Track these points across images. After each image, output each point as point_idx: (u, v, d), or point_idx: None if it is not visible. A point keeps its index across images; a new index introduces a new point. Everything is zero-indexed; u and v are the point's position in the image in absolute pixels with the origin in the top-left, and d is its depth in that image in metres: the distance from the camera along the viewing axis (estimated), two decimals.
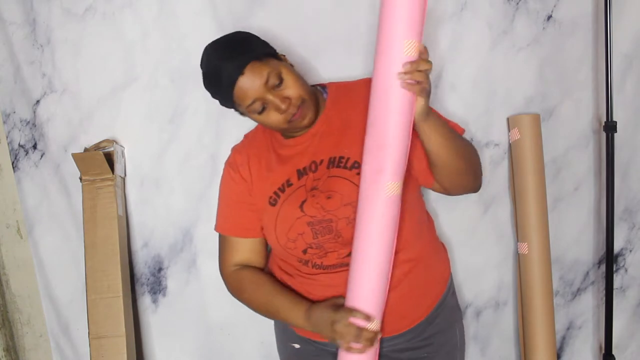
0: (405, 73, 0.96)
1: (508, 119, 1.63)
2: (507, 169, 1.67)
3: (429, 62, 0.98)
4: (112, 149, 1.54)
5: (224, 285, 1.64)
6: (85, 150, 1.57)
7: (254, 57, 1.08)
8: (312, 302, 1.17)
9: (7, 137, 1.62)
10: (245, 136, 1.31)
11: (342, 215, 1.11)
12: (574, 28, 1.61)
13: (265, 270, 1.29)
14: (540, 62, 1.61)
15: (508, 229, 1.71)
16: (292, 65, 1.16)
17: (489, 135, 1.63)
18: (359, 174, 1.08)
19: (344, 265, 1.15)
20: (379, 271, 1.07)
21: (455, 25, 1.55)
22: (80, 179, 1.56)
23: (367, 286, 1.08)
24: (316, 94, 1.20)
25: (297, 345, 1.28)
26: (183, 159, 1.60)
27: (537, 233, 1.59)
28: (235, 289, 1.26)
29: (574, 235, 1.74)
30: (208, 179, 1.60)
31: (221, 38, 1.14)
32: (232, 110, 1.22)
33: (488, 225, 1.68)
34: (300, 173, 1.17)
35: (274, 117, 1.10)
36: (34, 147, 1.61)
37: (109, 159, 1.52)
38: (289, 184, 1.17)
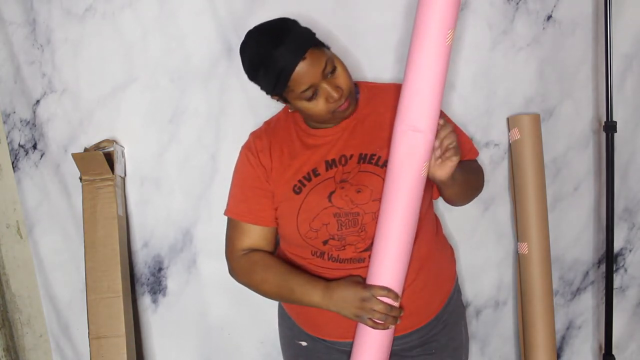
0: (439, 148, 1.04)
1: (508, 119, 1.63)
2: (507, 169, 1.67)
3: (447, 126, 1.05)
4: (112, 149, 1.54)
5: (224, 285, 1.65)
6: (85, 150, 1.57)
7: (313, 44, 1.09)
8: (328, 280, 1.15)
9: (7, 137, 1.62)
10: (266, 122, 1.30)
11: (370, 210, 1.13)
12: (574, 28, 1.61)
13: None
14: (540, 62, 1.61)
15: (508, 229, 1.71)
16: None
17: (489, 135, 1.63)
18: None
19: (359, 261, 1.16)
20: (403, 251, 1.10)
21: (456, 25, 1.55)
22: (80, 179, 1.56)
23: (393, 266, 1.10)
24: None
25: (304, 343, 1.28)
26: (183, 159, 1.60)
27: (537, 233, 1.59)
28: (245, 272, 1.23)
29: (574, 235, 1.74)
30: (208, 179, 1.60)
31: (266, 24, 1.12)
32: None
33: (488, 225, 1.68)
34: (329, 164, 1.17)
35: (321, 106, 1.10)
36: (34, 147, 1.61)
37: (109, 159, 1.52)
38: (316, 174, 1.17)
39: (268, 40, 1.08)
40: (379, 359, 1.16)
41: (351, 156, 1.17)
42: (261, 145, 1.23)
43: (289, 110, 1.25)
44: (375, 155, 1.16)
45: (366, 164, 1.15)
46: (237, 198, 1.25)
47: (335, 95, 1.09)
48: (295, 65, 1.06)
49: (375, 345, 1.14)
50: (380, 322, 1.09)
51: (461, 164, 1.15)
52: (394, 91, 1.20)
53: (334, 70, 1.10)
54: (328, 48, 1.14)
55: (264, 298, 1.55)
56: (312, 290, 1.14)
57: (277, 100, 1.18)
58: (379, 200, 1.12)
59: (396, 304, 1.11)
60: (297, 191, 1.17)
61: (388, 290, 1.09)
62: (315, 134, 1.20)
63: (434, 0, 0.99)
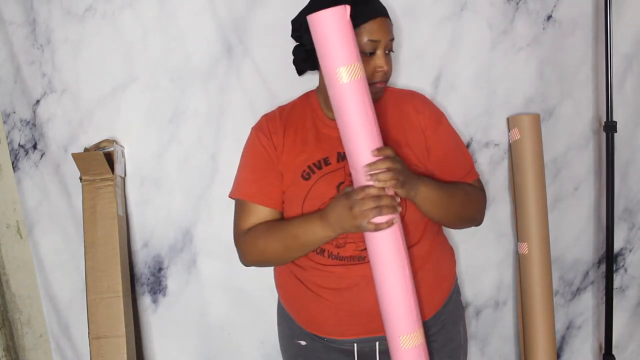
0: (370, 175, 1.01)
1: (508, 119, 1.63)
2: (507, 169, 1.67)
3: (387, 160, 1.01)
4: (112, 149, 1.54)
5: (224, 285, 1.65)
6: (85, 150, 1.57)
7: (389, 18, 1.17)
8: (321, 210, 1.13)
9: (7, 137, 1.62)
10: (280, 107, 1.30)
11: None
12: (574, 28, 1.61)
13: None
14: (540, 62, 1.61)
15: (508, 229, 1.71)
16: None
17: (489, 135, 1.63)
18: None
19: (359, 259, 1.16)
20: None
21: (455, 25, 1.55)
22: (80, 179, 1.56)
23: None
24: None
25: (303, 342, 1.28)
26: (183, 159, 1.60)
27: (537, 233, 1.59)
28: (250, 247, 1.20)
29: (574, 235, 1.74)
30: (208, 179, 1.60)
31: None
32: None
33: (488, 225, 1.67)
34: (341, 156, 1.18)
35: (367, 70, 1.12)
36: (34, 147, 1.61)
37: (109, 159, 1.52)
38: (327, 163, 1.18)
39: None
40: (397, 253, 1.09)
41: None
42: (274, 126, 1.23)
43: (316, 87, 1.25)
44: None
45: None
46: (247, 179, 1.24)
47: (385, 67, 1.14)
48: (381, 15, 1.13)
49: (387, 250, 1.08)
50: (379, 221, 1.03)
51: (446, 186, 1.17)
52: (408, 97, 1.25)
53: (389, 52, 1.16)
54: None
55: (264, 298, 1.56)
56: (311, 227, 1.12)
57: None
58: None
59: (384, 193, 1.04)
60: (305, 177, 1.17)
61: (368, 187, 1.03)
62: (331, 125, 1.21)
63: (317, 38, 1.00)
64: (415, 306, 1.10)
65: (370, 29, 1.11)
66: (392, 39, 1.16)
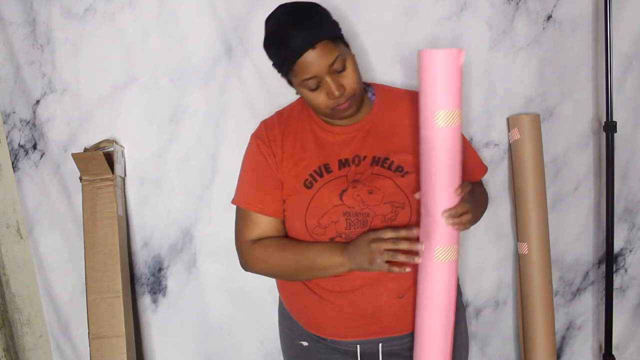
0: (450, 219, 1.02)
1: (508, 119, 1.63)
2: (507, 169, 1.67)
3: (465, 203, 1.04)
4: (112, 149, 1.54)
5: (224, 285, 1.65)
6: (85, 150, 1.57)
7: (329, 36, 1.08)
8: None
9: (7, 137, 1.62)
10: (278, 112, 1.29)
11: (380, 212, 1.13)
12: (574, 28, 1.61)
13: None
14: (540, 62, 1.61)
15: (508, 228, 1.71)
16: (354, 55, 1.15)
17: (489, 135, 1.63)
18: (402, 175, 1.14)
19: None
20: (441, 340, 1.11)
21: (455, 25, 1.55)
22: (80, 179, 1.56)
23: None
24: (364, 90, 1.22)
25: (305, 343, 1.28)
26: (183, 159, 1.60)
27: (537, 233, 1.59)
28: (260, 259, 1.20)
29: (574, 235, 1.74)
30: (208, 179, 1.60)
31: (297, 4, 1.12)
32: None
33: (488, 225, 1.68)
34: (342, 163, 1.18)
35: (321, 99, 1.11)
36: (34, 147, 1.61)
37: (109, 159, 1.52)
38: (328, 170, 1.17)
39: (289, 19, 1.08)
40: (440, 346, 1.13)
41: (364, 157, 1.17)
42: (273, 134, 1.22)
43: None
44: (388, 159, 1.16)
45: (379, 167, 1.16)
46: (248, 187, 1.23)
47: (336, 92, 1.09)
48: (304, 51, 1.06)
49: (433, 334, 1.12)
50: (395, 258, 1.05)
51: (474, 193, 1.18)
52: (409, 98, 1.23)
53: (343, 69, 1.10)
54: (347, 46, 1.14)
55: (264, 298, 1.56)
56: (332, 254, 1.13)
57: (286, 79, 1.17)
58: (389, 203, 1.13)
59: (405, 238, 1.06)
60: (308, 185, 1.17)
61: (393, 230, 1.06)
62: (330, 130, 1.21)
63: (423, 75, 0.99)
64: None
65: (301, 69, 1.07)
66: (335, 59, 1.07)
